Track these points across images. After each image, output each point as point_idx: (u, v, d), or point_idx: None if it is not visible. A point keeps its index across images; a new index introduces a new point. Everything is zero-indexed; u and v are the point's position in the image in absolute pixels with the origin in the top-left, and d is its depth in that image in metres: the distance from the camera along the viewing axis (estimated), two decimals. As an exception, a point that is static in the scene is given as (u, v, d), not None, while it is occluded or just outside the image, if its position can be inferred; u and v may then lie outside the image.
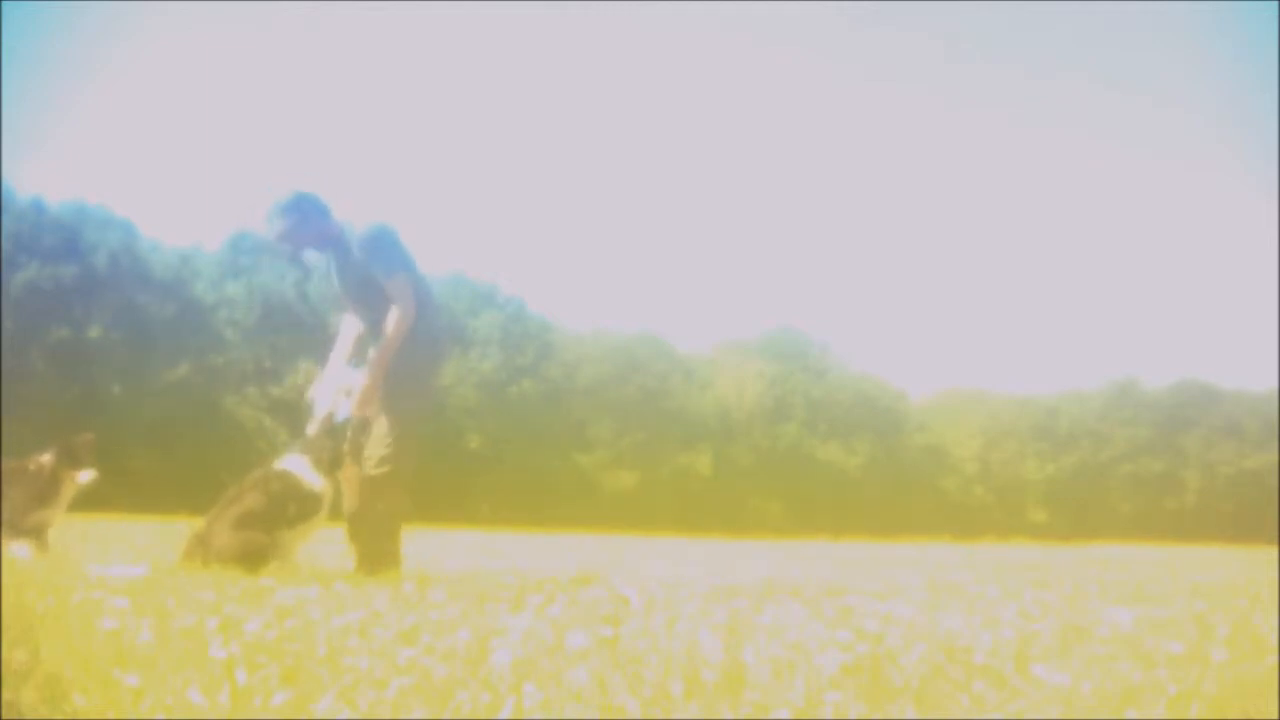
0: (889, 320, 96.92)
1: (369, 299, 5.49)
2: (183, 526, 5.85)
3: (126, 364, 42.73)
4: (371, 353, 5.51)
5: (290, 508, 5.49)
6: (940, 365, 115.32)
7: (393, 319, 5.37)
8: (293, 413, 49.86)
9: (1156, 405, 62.71)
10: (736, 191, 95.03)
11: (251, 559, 5.16)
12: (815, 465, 57.97)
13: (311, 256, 5.79)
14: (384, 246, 5.49)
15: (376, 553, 5.51)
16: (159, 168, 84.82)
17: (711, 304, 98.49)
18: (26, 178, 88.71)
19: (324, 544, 6.17)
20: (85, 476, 5.88)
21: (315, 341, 48.35)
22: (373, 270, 5.43)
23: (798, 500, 55.74)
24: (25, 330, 40.73)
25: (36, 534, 5.76)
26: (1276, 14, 57.10)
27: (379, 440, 5.49)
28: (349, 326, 5.73)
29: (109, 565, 5.10)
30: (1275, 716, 2.21)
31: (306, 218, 5.50)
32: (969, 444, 62.65)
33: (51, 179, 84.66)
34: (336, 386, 5.68)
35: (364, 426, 5.49)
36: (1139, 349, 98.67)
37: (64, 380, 41.47)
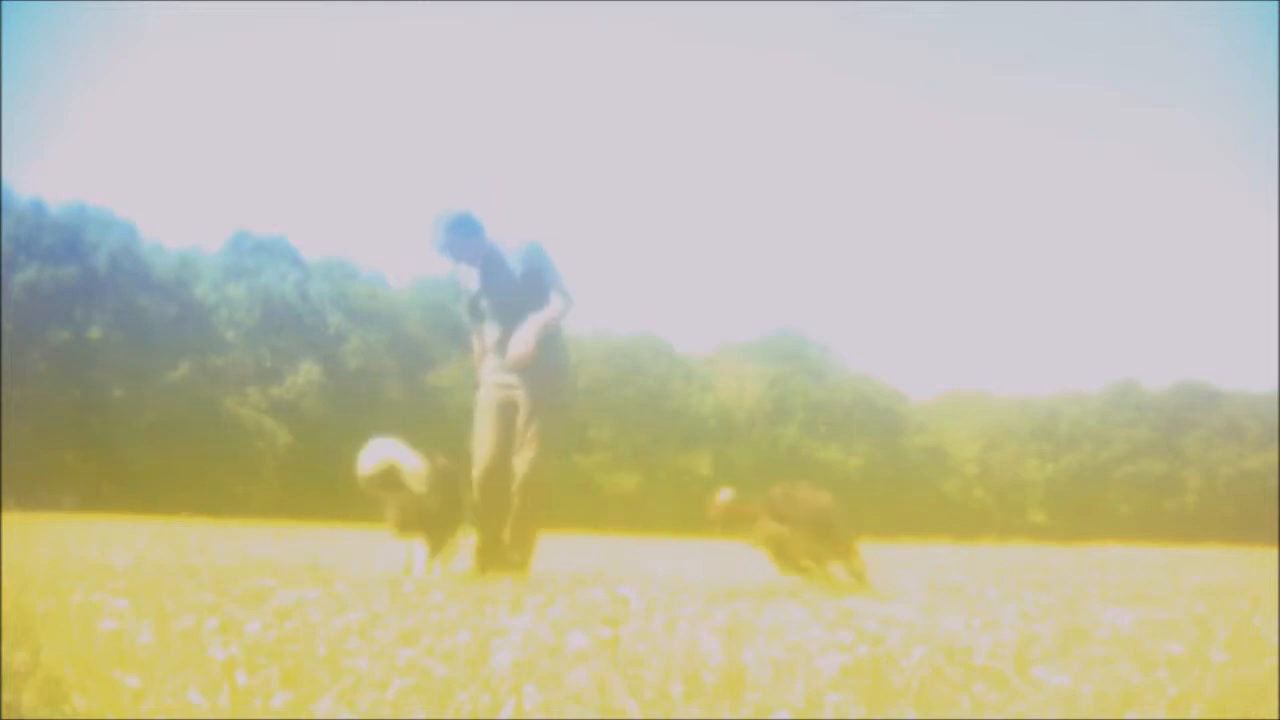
0: (889, 322, 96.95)
1: (520, 308, 5.93)
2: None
3: (127, 365, 42.74)
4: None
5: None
6: (940, 367, 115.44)
7: (563, 303, 5.96)
8: (293, 413, 49.90)
9: (1157, 406, 62.72)
10: (737, 194, 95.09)
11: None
12: (815, 466, 57.91)
13: (461, 270, 6.09)
14: (550, 257, 6.04)
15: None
16: (160, 170, 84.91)
17: (712, 306, 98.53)
18: (27, 179, 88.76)
19: (326, 544, 6.17)
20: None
21: (315, 342, 48.54)
22: (546, 276, 5.93)
23: (798, 502, 55.63)
24: (26, 331, 40.74)
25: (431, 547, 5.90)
26: (1277, 14, 57.13)
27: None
28: (486, 338, 6.14)
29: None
30: (1276, 718, 2.21)
31: (468, 234, 5.90)
32: (969, 445, 62.66)
33: (53, 181, 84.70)
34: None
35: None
36: (1139, 350, 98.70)
37: (65, 381, 41.49)
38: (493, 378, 6.04)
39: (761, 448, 58.01)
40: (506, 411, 5.93)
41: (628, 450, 54.53)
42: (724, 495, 5.94)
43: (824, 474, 57.82)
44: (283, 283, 49.49)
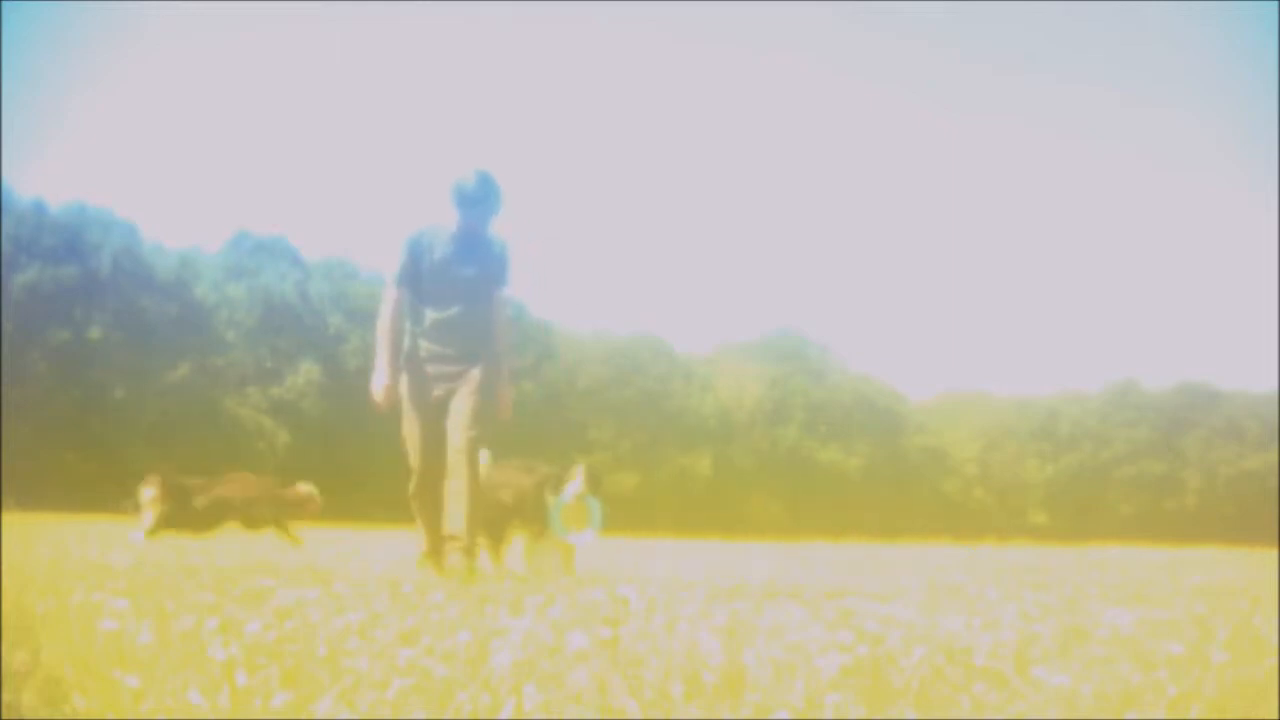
0: (889, 322, 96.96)
1: (469, 295, 5.77)
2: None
3: (127, 365, 42.73)
4: (426, 342, 5.79)
5: None
6: (940, 367, 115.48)
7: (507, 322, 6.02)
8: (293, 413, 49.68)
9: (1157, 407, 62.73)
10: (737, 194, 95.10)
11: None
12: (815, 467, 57.96)
13: (440, 235, 5.81)
14: (510, 260, 5.94)
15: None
16: (161, 170, 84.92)
17: (712, 306, 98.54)
18: (28, 179, 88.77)
19: (325, 545, 6.18)
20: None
21: (315, 342, 48.53)
22: (503, 274, 5.86)
23: (798, 502, 55.75)
24: (26, 332, 40.72)
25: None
26: (1277, 14, 57.16)
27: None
28: (403, 309, 5.80)
29: None
30: (1275, 718, 2.21)
31: (500, 205, 5.82)
32: (969, 446, 62.66)
33: (53, 181, 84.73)
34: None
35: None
36: (1139, 350, 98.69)
37: (65, 381, 41.47)
38: (424, 364, 5.76)
39: (761, 448, 58.00)
40: (439, 401, 5.70)
41: (628, 450, 54.50)
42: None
43: (824, 474, 57.91)
44: (283, 283, 49.48)
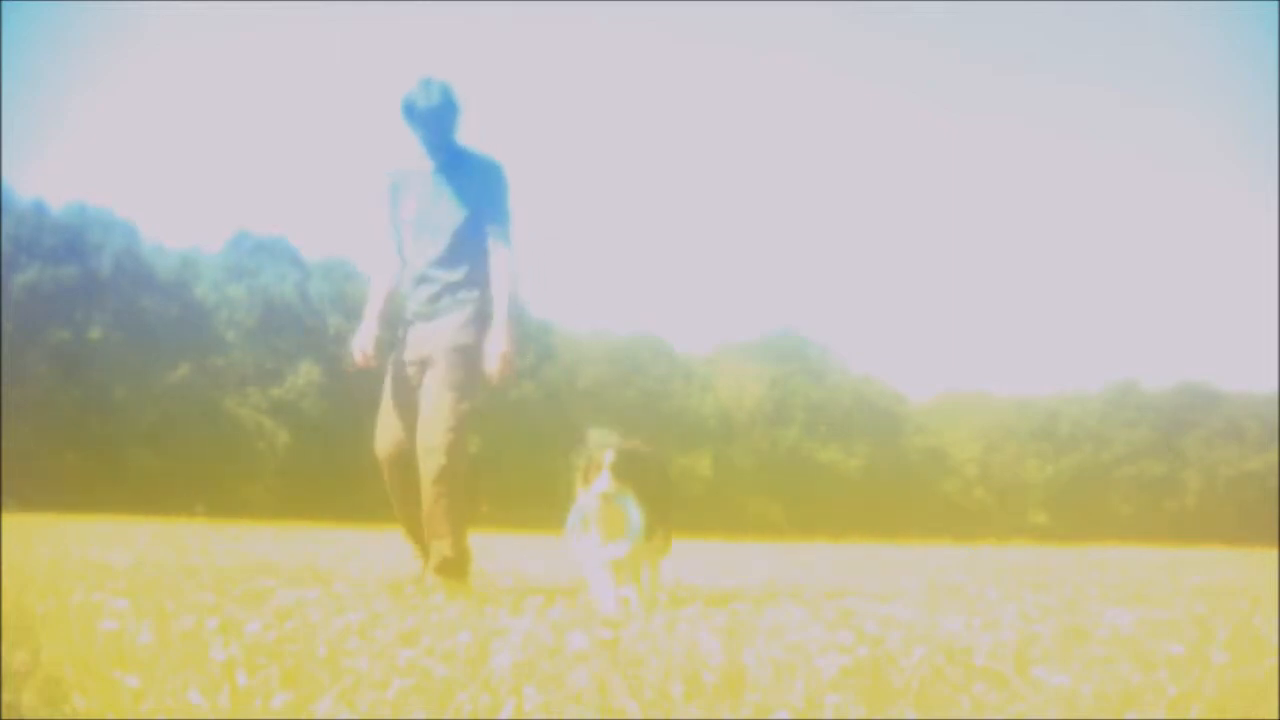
0: (889, 323, 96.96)
1: (452, 234, 4.82)
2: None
3: (128, 365, 42.72)
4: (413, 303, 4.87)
5: None
6: (940, 368, 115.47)
7: (509, 264, 4.81)
8: (293, 413, 49.67)
9: (1157, 407, 62.70)
10: (737, 194, 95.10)
11: None
12: (815, 467, 57.93)
13: (404, 168, 4.98)
14: (508, 188, 4.91)
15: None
16: (161, 170, 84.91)
17: (712, 306, 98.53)
18: (28, 180, 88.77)
19: (325, 545, 6.17)
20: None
21: (315, 342, 48.50)
22: (494, 206, 4.83)
23: (798, 502, 55.70)
24: (26, 332, 40.73)
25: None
26: (1277, 14, 57.16)
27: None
28: (388, 271, 5.04)
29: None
30: (1275, 718, 2.21)
31: (455, 113, 4.84)
32: (969, 446, 62.63)
33: (53, 181, 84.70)
34: None
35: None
36: (1140, 351, 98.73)
37: (65, 381, 41.47)
38: (410, 330, 4.94)
39: (762, 448, 57.97)
40: (417, 374, 4.83)
41: (628, 451, 54.42)
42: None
43: (824, 475, 57.87)
44: (283, 283, 49.46)
